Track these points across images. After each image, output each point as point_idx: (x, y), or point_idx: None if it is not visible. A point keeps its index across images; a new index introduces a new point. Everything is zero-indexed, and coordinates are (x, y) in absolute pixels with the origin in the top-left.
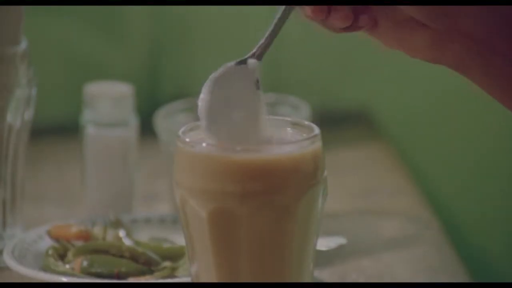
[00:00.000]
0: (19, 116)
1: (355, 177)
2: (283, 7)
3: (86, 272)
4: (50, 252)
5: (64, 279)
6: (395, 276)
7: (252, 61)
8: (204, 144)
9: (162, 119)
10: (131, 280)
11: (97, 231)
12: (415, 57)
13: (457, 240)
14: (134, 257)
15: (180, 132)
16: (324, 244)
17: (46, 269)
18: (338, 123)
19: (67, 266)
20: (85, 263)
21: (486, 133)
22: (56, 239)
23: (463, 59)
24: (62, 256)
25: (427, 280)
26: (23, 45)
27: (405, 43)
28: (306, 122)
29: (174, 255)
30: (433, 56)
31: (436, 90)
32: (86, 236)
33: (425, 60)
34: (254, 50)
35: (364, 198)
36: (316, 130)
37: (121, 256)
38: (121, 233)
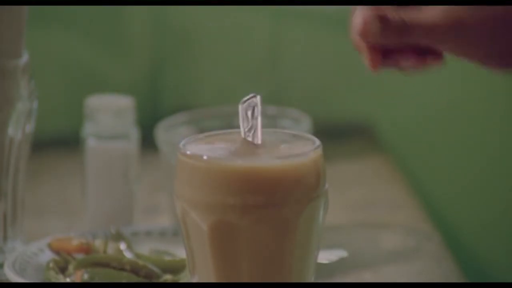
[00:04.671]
0: (20, 129)
1: (356, 190)
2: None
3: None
4: (51, 265)
5: None
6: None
7: None
8: (205, 157)
9: (163, 132)
10: None
11: (98, 244)
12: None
13: (458, 253)
14: (135, 270)
15: (181, 145)
16: (325, 256)
17: (47, 282)
18: (339, 136)
19: (68, 279)
20: (86, 276)
21: (487, 147)
22: (57, 252)
23: None
24: (63, 269)
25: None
26: (25, 58)
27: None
28: (307, 135)
29: (175, 268)
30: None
31: (437, 104)
32: (87, 249)
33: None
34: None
35: (364, 210)
36: (317, 142)
37: (122, 269)
38: (122, 246)
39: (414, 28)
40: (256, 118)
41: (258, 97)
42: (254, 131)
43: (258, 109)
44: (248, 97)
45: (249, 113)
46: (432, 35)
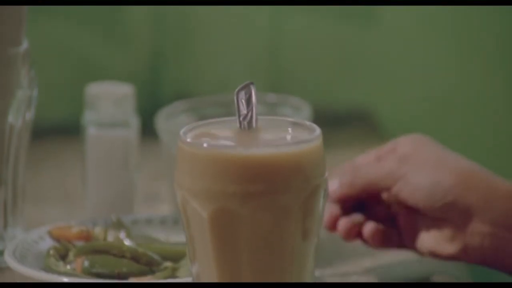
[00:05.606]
0: (20, 117)
1: None
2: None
3: (87, 272)
4: (51, 252)
5: (65, 279)
6: (396, 277)
7: None
8: (205, 145)
9: (163, 120)
10: (132, 280)
11: (98, 231)
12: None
13: None
14: (135, 257)
15: (181, 132)
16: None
17: (47, 269)
18: (339, 124)
19: (68, 266)
20: (86, 264)
21: (486, 134)
22: (57, 239)
23: (483, 249)
24: (63, 257)
25: (427, 279)
26: (25, 46)
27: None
28: (307, 123)
29: (175, 256)
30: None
31: (437, 91)
32: (87, 237)
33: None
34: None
35: None
36: (317, 130)
37: (122, 257)
38: (122, 234)
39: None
40: (252, 106)
41: (253, 85)
42: (250, 119)
43: (254, 96)
44: (243, 84)
45: (245, 101)
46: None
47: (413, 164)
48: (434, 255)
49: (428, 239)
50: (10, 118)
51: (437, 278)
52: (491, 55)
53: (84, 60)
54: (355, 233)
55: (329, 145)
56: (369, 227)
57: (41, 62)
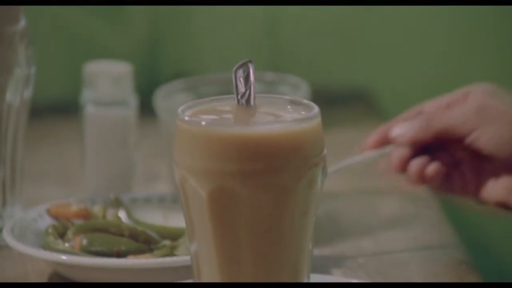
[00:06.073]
0: (18, 94)
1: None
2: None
3: (85, 250)
4: (50, 230)
5: (64, 257)
6: (394, 255)
7: None
8: (203, 123)
9: (161, 99)
10: (131, 258)
11: (96, 210)
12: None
13: (456, 219)
14: (133, 235)
15: (179, 110)
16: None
17: (46, 247)
18: (337, 102)
19: (67, 244)
20: (84, 242)
21: None
22: (56, 217)
23: None
24: (61, 235)
25: (425, 259)
26: (23, 24)
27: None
28: (306, 101)
29: (174, 234)
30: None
31: (436, 70)
32: (85, 215)
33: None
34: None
35: (363, 177)
36: (316, 108)
37: (121, 235)
38: (121, 212)
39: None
40: (250, 84)
41: (252, 63)
42: (248, 97)
43: (252, 75)
44: (241, 62)
45: (243, 79)
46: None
47: (490, 115)
48: (503, 205)
49: (498, 189)
50: (8, 96)
51: (431, 255)
52: (491, 32)
53: (83, 38)
54: (426, 175)
55: (327, 124)
56: (433, 167)
57: (40, 40)
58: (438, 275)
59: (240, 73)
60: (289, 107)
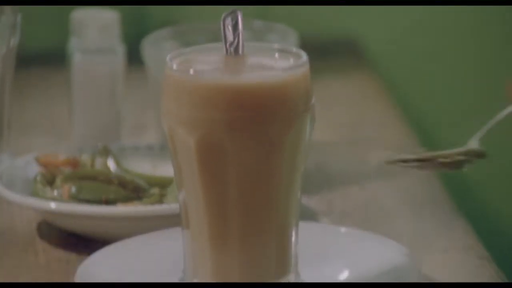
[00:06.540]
0: (4, 43)
1: (342, 107)
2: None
3: (74, 198)
4: (38, 178)
5: (53, 205)
6: (382, 206)
7: None
8: (191, 72)
9: (149, 47)
10: (120, 206)
11: (85, 158)
12: None
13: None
14: (122, 184)
15: (167, 59)
16: None
17: (34, 195)
18: (326, 52)
19: (55, 192)
20: (73, 190)
21: (473, 65)
22: (44, 166)
23: None
24: (50, 183)
25: (411, 209)
26: None
27: None
28: (294, 49)
29: (162, 182)
30: None
31: (425, 20)
32: (74, 164)
33: None
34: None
35: (351, 128)
36: (304, 56)
37: (109, 183)
38: (109, 161)
39: None
40: (239, 32)
41: (240, 11)
42: (237, 46)
43: (240, 23)
44: (229, 11)
45: (231, 27)
46: None
47: None
48: None
49: None
50: None
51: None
52: None
53: None
54: None
55: (316, 74)
56: None
57: None
58: (425, 224)
59: (229, 21)
60: (277, 55)
